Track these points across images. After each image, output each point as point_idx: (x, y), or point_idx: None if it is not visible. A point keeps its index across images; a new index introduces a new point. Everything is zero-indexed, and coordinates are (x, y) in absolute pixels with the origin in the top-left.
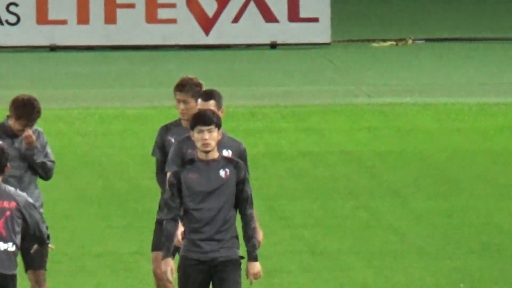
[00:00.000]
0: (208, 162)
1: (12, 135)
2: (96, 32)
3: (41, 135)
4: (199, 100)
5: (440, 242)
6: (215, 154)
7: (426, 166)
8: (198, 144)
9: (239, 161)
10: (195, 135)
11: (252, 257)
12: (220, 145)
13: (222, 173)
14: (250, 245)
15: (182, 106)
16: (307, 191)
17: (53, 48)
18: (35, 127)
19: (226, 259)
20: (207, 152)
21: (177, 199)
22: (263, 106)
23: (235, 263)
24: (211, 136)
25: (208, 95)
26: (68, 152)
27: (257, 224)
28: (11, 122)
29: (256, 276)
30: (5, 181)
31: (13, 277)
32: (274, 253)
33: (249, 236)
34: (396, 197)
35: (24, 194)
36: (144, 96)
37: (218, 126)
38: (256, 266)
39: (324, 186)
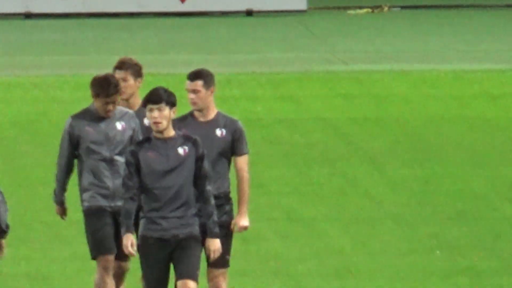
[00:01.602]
0: (165, 140)
1: (97, 118)
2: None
3: (131, 119)
4: (187, 81)
5: (416, 209)
6: (170, 132)
7: (402, 133)
8: (150, 123)
9: (196, 138)
10: (147, 114)
11: (212, 234)
12: (214, 124)
13: (180, 150)
14: (210, 222)
15: (122, 84)
16: (283, 158)
17: (28, 16)
18: (123, 108)
19: (187, 236)
20: (158, 131)
21: (134, 178)
22: (239, 74)
23: (196, 239)
24: (161, 114)
25: (195, 74)
26: (44, 119)
27: (246, 205)
28: (95, 104)
29: (215, 252)
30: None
31: None
32: (251, 220)
33: (209, 213)
34: (372, 164)
35: None
36: None
37: (170, 104)
38: (217, 242)
39: (300, 153)
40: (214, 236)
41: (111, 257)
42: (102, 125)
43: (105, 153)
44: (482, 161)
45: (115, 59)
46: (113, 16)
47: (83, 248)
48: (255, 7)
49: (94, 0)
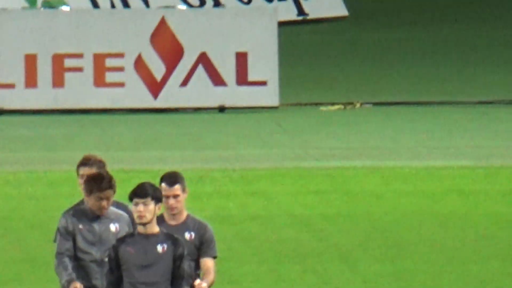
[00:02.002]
0: (147, 236)
1: (91, 217)
2: (44, 96)
3: (125, 223)
4: (163, 185)
5: None
6: (154, 229)
7: (374, 229)
8: (135, 216)
9: (178, 238)
10: (132, 207)
11: None
12: (184, 227)
13: (159, 248)
14: None
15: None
16: (255, 254)
17: (0, 112)
18: (118, 211)
19: None
20: (142, 224)
21: (115, 273)
22: (211, 170)
23: None
24: (146, 208)
25: (173, 179)
26: (16, 215)
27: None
28: (88, 202)
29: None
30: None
31: None
32: None
33: None
34: (344, 260)
35: None
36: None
37: (156, 199)
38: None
39: (272, 250)
40: None
41: None
42: (96, 225)
43: (96, 254)
44: (454, 258)
45: None
46: (85, 112)
47: None
48: (228, 103)
49: (66, 96)
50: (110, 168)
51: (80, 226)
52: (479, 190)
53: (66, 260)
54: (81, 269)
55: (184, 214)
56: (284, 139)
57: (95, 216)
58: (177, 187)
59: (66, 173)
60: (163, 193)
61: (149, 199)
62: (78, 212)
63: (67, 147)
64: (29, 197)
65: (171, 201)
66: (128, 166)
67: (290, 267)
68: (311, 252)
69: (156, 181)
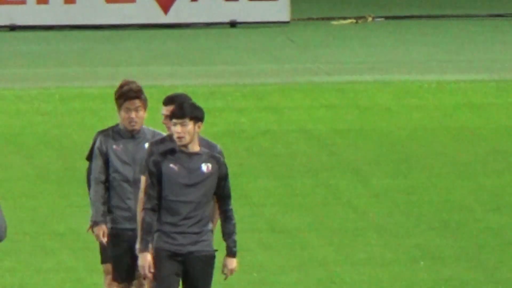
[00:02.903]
0: (189, 155)
1: (126, 137)
2: (55, 12)
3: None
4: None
5: (400, 219)
6: (195, 147)
7: (386, 144)
8: (174, 137)
9: (221, 158)
10: (172, 128)
11: (232, 253)
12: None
13: (204, 167)
14: (230, 241)
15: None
16: (267, 169)
17: (12, 28)
18: (155, 130)
19: (202, 254)
20: (182, 145)
21: (156, 188)
22: (222, 85)
23: (210, 258)
24: (184, 129)
25: (170, 102)
26: (28, 131)
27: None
28: (120, 119)
29: (232, 271)
30: (118, 186)
31: None
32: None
33: (230, 232)
34: (355, 174)
35: None
36: (104, 75)
37: (194, 118)
38: (234, 262)
39: (283, 164)
40: (233, 255)
41: (124, 285)
42: (130, 145)
43: (129, 174)
44: (466, 172)
45: (99, 71)
46: (96, 28)
47: (67, 259)
48: (239, 18)
49: (77, 12)
50: (117, 84)
51: (114, 146)
52: (490, 104)
53: (99, 191)
54: (114, 190)
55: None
56: (296, 54)
57: (129, 136)
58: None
59: (77, 89)
60: (163, 112)
61: (186, 120)
62: (113, 132)
63: (78, 63)
64: (41, 113)
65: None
66: (139, 82)
67: (302, 181)
68: (323, 166)
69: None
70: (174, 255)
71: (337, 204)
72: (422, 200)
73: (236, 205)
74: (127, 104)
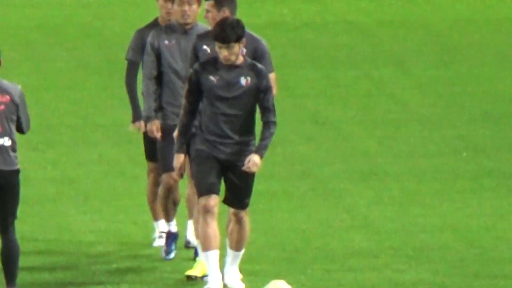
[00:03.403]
0: (230, 67)
1: (178, 32)
2: None
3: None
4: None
5: (443, 110)
6: (238, 59)
7: (429, 35)
8: (220, 57)
9: (262, 69)
10: (216, 48)
11: (259, 152)
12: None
13: (243, 81)
14: (262, 143)
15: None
16: (310, 60)
17: None
18: (206, 26)
19: (242, 166)
20: (228, 64)
21: (194, 96)
22: None
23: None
24: (231, 51)
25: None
26: (70, 23)
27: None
28: (174, 10)
29: (254, 164)
30: (170, 81)
31: (14, 172)
32: (277, 123)
33: (264, 137)
34: (398, 66)
35: (18, 87)
36: None
37: (239, 40)
38: (258, 159)
39: (326, 56)
40: (259, 154)
41: (172, 174)
42: (183, 41)
43: (181, 70)
44: (508, 62)
45: None
46: None
47: (109, 151)
48: None
49: None
50: None
51: (166, 42)
52: None
53: (151, 86)
54: (166, 86)
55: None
56: None
57: (182, 31)
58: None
59: None
60: (206, 7)
61: (232, 43)
62: (165, 28)
63: None
64: (82, 4)
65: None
66: None
67: (345, 72)
68: (366, 58)
69: None
70: (215, 159)
71: (380, 95)
72: (465, 91)
73: (278, 96)
74: None
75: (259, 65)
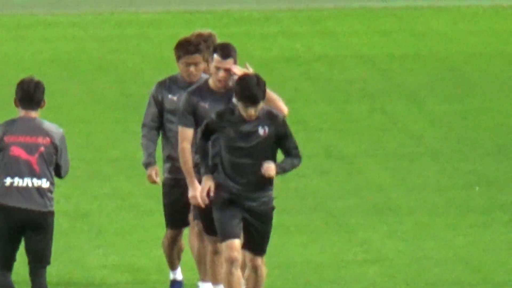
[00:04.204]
0: (247, 120)
1: (182, 86)
2: None
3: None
4: (216, 56)
5: (456, 144)
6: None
7: (442, 69)
8: (245, 115)
9: (278, 116)
10: (242, 108)
11: (278, 166)
12: (229, 93)
13: (261, 130)
14: (283, 162)
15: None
16: (323, 94)
17: None
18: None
19: (261, 209)
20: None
21: (207, 141)
22: (277, 10)
23: (269, 211)
24: (257, 109)
25: (227, 52)
26: (83, 57)
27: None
28: (179, 68)
29: (269, 170)
30: (173, 137)
31: (48, 214)
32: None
33: (284, 161)
34: (411, 99)
35: (60, 130)
36: (159, 0)
37: (264, 97)
38: (273, 168)
39: (339, 89)
40: (277, 168)
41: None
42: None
43: None
44: None
45: None
46: None
47: (123, 185)
48: None
49: None
50: (172, 9)
51: (170, 96)
52: None
53: (152, 135)
54: (168, 140)
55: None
56: None
57: (186, 85)
58: (230, 61)
59: (132, 15)
60: (215, 64)
61: (260, 102)
62: (170, 81)
63: None
64: (96, 39)
65: (221, 73)
66: (194, 7)
67: (358, 106)
68: (379, 91)
69: (219, 23)
70: (236, 204)
71: (393, 129)
72: (478, 124)
73: (292, 130)
74: (185, 58)
75: (274, 113)
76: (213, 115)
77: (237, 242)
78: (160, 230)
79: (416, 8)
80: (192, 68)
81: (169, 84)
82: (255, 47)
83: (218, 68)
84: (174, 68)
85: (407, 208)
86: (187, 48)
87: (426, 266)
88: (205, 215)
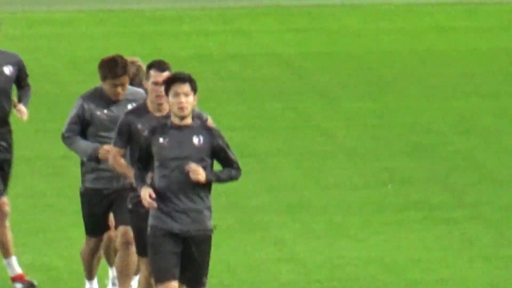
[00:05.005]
0: (180, 128)
1: (109, 101)
2: None
3: (139, 98)
4: (152, 71)
5: (370, 142)
6: (188, 120)
7: (355, 67)
8: (174, 108)
9: (213, 128)
10: (171, 99)
11: (210, 173)
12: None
13: (195, 140)
14: (219, 171)
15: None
16: (236, 93)
17: None
18: (135, 89)
19: (198, 233)
20: (181, 116)
21: (143, 163)
22: (190, 9)
23: (207, 236)
24: (188, 100)
25: (164, 66)
26: None
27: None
28: (104, 87)
29: (196, 172)
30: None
31: None
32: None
33: (224, 170)
34: (325, 98)
35: None
36: None
37: (195, 90)
38: (202, 171)
39: (252, 88)
40: (209, 174)
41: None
42: (114, 109)
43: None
44: (434, 94)
45: None
46: None
47: (35, 184)
48: None
49: None
50: (86, 8)
51: (98, 112)
52: (459, 27)
53: (78, 137)
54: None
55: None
56: None
57: (112, 100)
58: (167, 74)
59: (45, 14)
60: (152, 79)
61: (190, 90)
62: (95, 95)
63: None
64: (9, 37)
65: (160, 89)
66: (107, 6)
67: (271, 105)
68: (292, 90)
69: (133, 22)
70: (171, 234)
71: (306, 127)
72: (391, 123)
73: None
74: (113, 80)
75: (209, 125)
76: (145, 133)
77: (173, 284)
78: (73, 229)
79: (329, 6)
80: (119, 89)
81: (95, 99)
82: (168, 45)
83: (155, 83)
84: (87, 67)
85: (321, 206)
86: (115, 70)
87: (339, 265)
88: (139, 235)
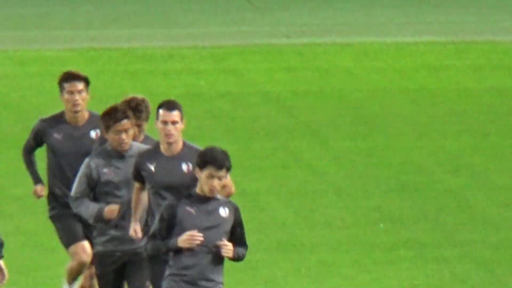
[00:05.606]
0: (207, 198)
1: (115, 157)
2: None
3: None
4: (161, 111)
5: (359, 181)
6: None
7: (345, 106)
8: (205, 188)
9: (235, 203)
10: (204, 178)
11: (234, 253)
12: (179, 157)
13: (222, 211)
14: (237, 250)
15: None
16: (226, 132)
17: None
18: (141, 145)
19: None
20: (212, 192)
21: (165, 233)
22: (181, 47)
23: None
24: (221, 183)
25: (172, 105)
26: None
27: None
28: (109, 140)
29: (228, 249)
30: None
31: None
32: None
33: (239, 249)
34: (315, 137)
35: None
36: (63, 38)
37: (229, 170)
38: (231, 248)
39: (243, 127)
40: (235, 254)
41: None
42: (121, 165)
43: (126, 195)
44: (424, 133)
45: (57, 34)
46: None
47: (26, 223)
48: None
49: None
50: (77, 46)
51: (105, 170)
52: (448, 66)
53: (86, 199)
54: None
55: (180, 143)
56: (254, 16)
57: (119, 156)
58: (176, 113)
59: (36, 52)
60: (161, 119)
61: (226, 172)
62: (102, 154)
63: (36, 26)
64: (0, 76)
65: (169, 127)
66: (98, 45)
67: (261, 144)
68: (282, 128)
69: (123, 60)
70: None
71: (297, 166)
72: (381, 162)
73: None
74: (115, 126)
75: (229, 200)
76: (170, 201)
77: None
78: (64, 268)
79: (319, 45)
80: (123, 136)
81: (102, 156)
82: (158, 84)
83: (165, 123)
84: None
85: (311, 245)
86: (115, 115)
87: None
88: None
